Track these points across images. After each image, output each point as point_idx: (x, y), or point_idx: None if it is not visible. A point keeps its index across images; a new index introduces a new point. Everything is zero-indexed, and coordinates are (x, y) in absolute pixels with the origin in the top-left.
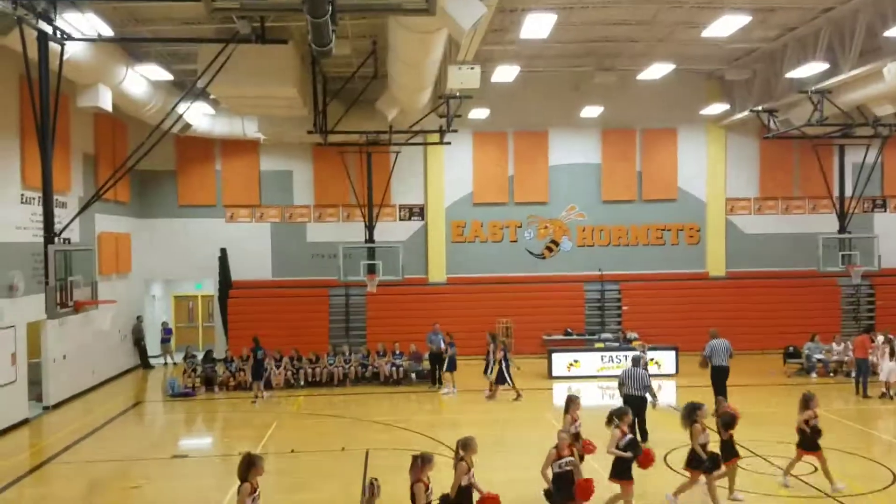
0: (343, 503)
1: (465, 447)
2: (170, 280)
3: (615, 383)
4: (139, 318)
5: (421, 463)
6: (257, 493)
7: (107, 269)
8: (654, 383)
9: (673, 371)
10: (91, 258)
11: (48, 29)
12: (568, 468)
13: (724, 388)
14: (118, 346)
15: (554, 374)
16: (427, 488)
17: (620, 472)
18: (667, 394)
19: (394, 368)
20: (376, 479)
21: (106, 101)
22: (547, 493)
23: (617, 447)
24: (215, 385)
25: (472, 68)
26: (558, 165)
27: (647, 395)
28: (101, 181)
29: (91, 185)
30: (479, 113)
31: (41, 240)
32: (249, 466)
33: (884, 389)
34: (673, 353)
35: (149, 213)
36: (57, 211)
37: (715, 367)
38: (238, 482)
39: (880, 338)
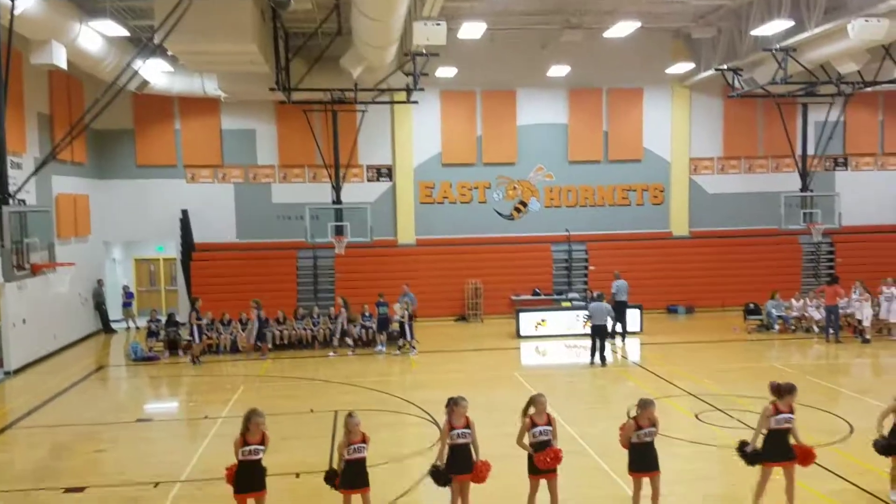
0: (312, 464)
1: (451, 405)
2: (130, 242)
3: (582, 342)
4: (99, 282)
5: (450, 405)
6: (251, 447)
7: (65, 232)
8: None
9: (638, 329)
10: (48, 220)
11: None
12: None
13: (625, 318)
14: (79, 310)
15: (522, 333)
16: (453, 429)
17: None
18: (632, 351)
19: (363, 330)
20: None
21: (60, 58)
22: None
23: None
24: (179, 349)
25: (437, 24)
26: (526, 125)
27: (609, 322)
28: (58, 141)
29: (47, 145)
30: (446, 71)
31: None
32: (243, 422)
33: (867, 336)
34: (637, 311)
35: (107, 173)
36: (12, 172)
37: (618, 303)
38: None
39: (860, 288)
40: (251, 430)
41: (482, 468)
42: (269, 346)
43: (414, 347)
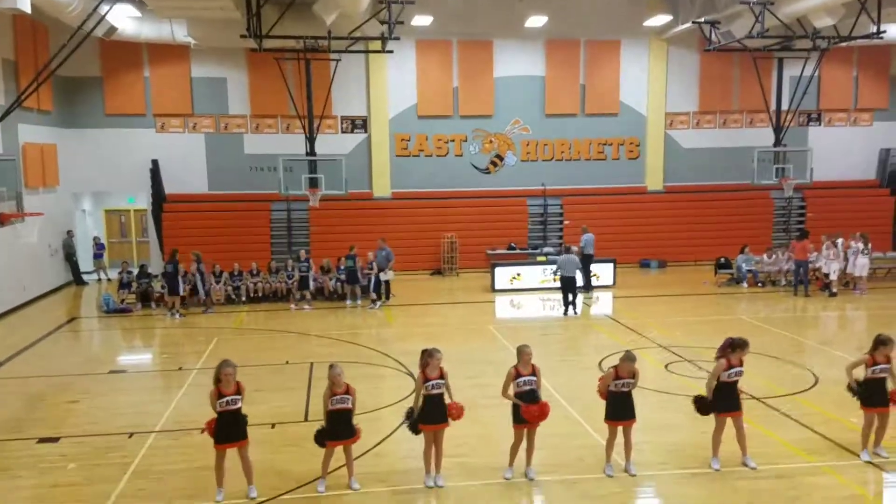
0: (288, 414)
1: (426, 357)
2: (100, 193)
3: (556, 296)
4: (69, 233)
5: (424, 357)
6: (228, 398)
7: (33, 182)
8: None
9: (611, 282)
10: (15, 169)
11: None
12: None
13: (590, 270)
14: (48, 261)
15: (497, 287)
16: (428, 380)
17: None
18: (604, 304)
19: (338, 283)
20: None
21: (24, 1)
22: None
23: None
24: (152, 301)
25: None
26: (503, 77)
27: (578, 274)
28: (24, 88)
29: (13, 93)
30: (422, 20)
31: None
32: (214, 375)
33: (833, 290)
34: (611, 265)
35: (75, 122)
36: None
37: (586, 256)
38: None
39: (828, 242)
40: (223, 381)
41: (453, 409)
42: (244, 298)
43: (374, 303)
